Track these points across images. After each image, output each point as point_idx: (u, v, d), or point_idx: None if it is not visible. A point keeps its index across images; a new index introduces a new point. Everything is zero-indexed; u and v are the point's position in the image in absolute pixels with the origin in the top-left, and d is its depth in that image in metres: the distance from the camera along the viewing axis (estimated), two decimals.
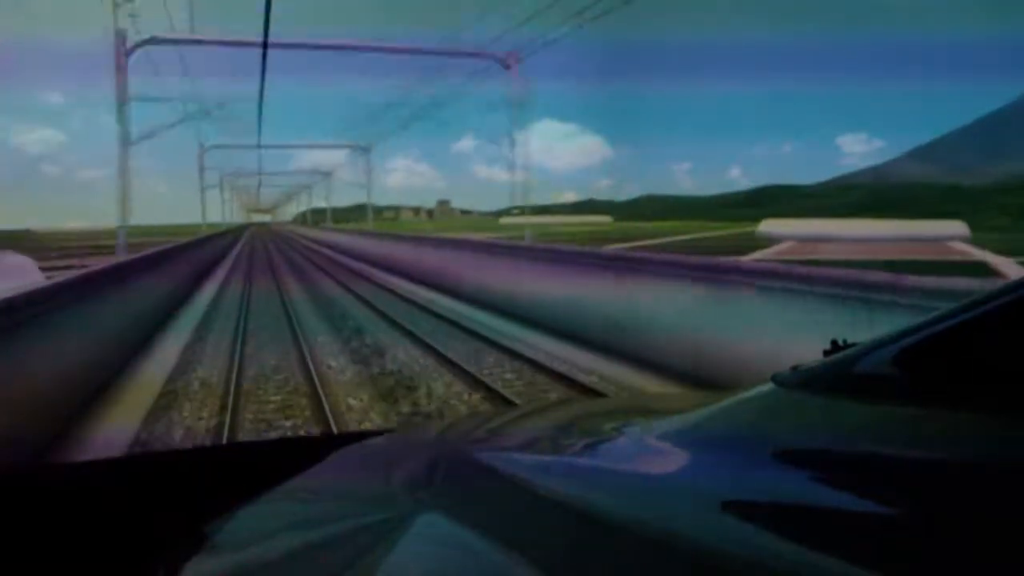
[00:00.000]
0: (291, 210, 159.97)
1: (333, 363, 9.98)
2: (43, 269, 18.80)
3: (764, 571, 0.42)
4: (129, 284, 11.31)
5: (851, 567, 0.41)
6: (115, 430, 6.99)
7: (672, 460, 0.65)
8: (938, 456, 0.51)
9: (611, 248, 13.79)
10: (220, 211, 77.68)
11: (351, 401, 8.04)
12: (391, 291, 18.81)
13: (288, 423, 7.32)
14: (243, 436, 7.08)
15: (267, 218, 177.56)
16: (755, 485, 0.55)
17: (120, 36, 19.27)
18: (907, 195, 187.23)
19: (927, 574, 0.40)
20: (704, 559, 0.45)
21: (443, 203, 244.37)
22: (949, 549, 0.41)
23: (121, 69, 19.25)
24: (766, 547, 0.45)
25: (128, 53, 19.55)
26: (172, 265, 17.63)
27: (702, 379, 7.79)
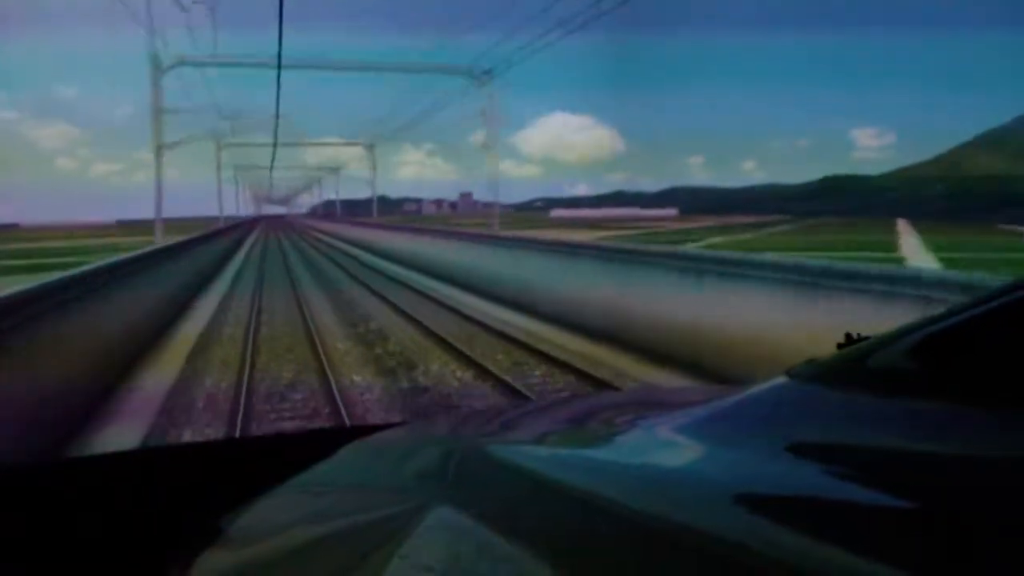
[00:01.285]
0: (305, 202, 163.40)
1: None
2: None
3: (778, 565, 0.43)
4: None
5: (865, 561, 0.41)
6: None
7: (686, 454, 0.66)
8: (954, 451, 0.50)
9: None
10: (234, 204, 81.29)
11: None
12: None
13: None
14: None
15: (281, 210, 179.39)
16: (769, 479, 0.55)
17: (154, 59, 24.23)
18: (985, 186, 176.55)
19: (943, 569, 0.40)
20: (719, 553, 0.46)
21: (465, 195, 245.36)
22: (965, 544, 0.41)
23: (156, 87, 24.18)
24: (780, 541, 0.45)
25: (162, 73, 24.41)
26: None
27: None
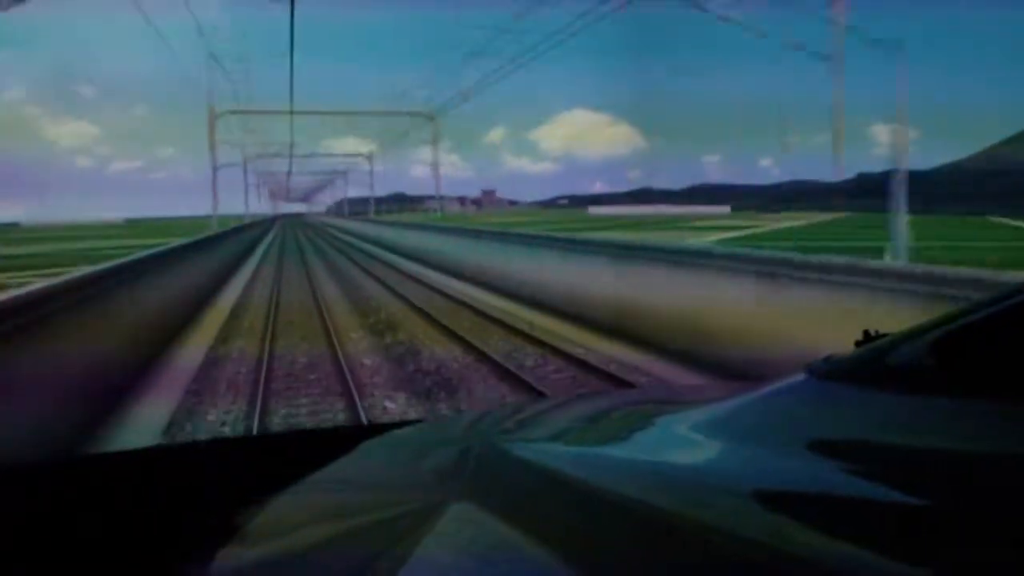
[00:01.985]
0: (322, 200, 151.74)
1: None
2: None
3: (797, 562, 0.43)
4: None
5: (884, 558, 0.42)
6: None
7: (704, 451, 0.67)
8: (973, 448, 0.51)
9: None
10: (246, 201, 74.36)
11: None
12: None
13: None
14: None
15: (302, 207, 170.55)
16: (788, 476, 0.55)
17: (211, 109, 34.02)
18: None
19: (962, 566, 0.40)
20: (737, 550, 0.46)
21: (488, 193, 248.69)
22: (984, 541, 0.41)
23: (212, 130, 33.87)
24: (800, 538, 0.46)
25: (215, 119, 34.28)
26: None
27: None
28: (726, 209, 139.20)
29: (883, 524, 0.46)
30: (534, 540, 0.54)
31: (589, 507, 0.57)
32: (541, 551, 0.53)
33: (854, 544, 0.44)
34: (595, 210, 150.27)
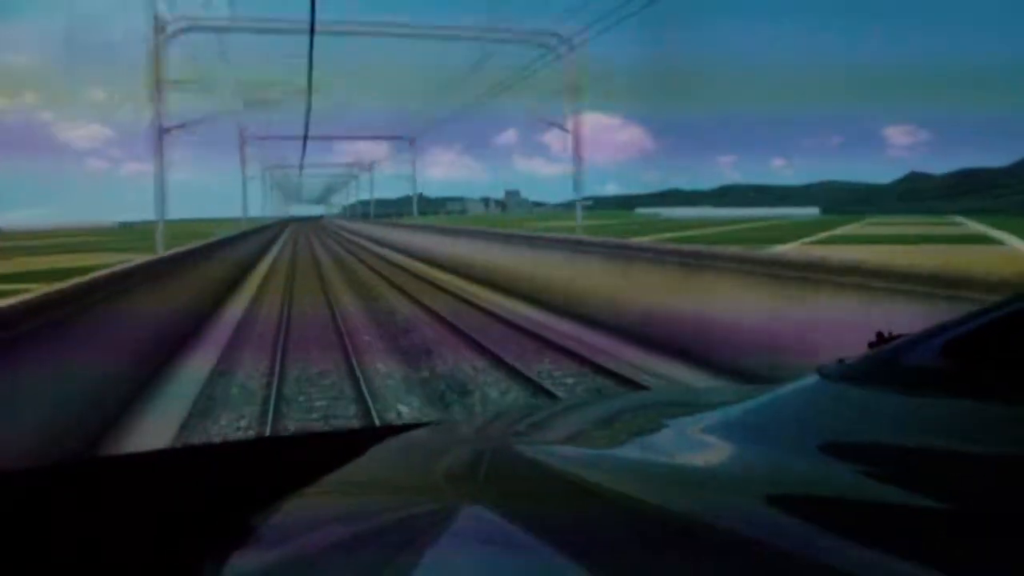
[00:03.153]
0: (338, 202, 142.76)
1: None
2: None
3: (810, 564, 0.43)
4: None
5: (897, 560, 0.42)
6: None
7: (717, 453, 0.67)
8: (986, 450, 0.52)
9: None
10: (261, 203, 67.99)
11: None
12: None
13: None
14: None
15: (319, 210, 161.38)
16: (801, 478, 0.56)
17: (160, 23, 19.56)
18: None
19: (974, 568, 0.40)
20: (750, 552, 0.46)
21: (512, 193, 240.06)
22: (996, 543, 0.42)
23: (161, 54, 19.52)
24: (812, 541, 0.46)
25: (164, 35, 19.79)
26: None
27: None
28: (812, 211, 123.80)
29: (896, 526, 0.46)
30: (548, 542, 0.55)
31: (603, 509, 0.58)
32: (555, 553, 0.53)
33: (867, 546, 0.44)
34: (669, 212, 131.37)
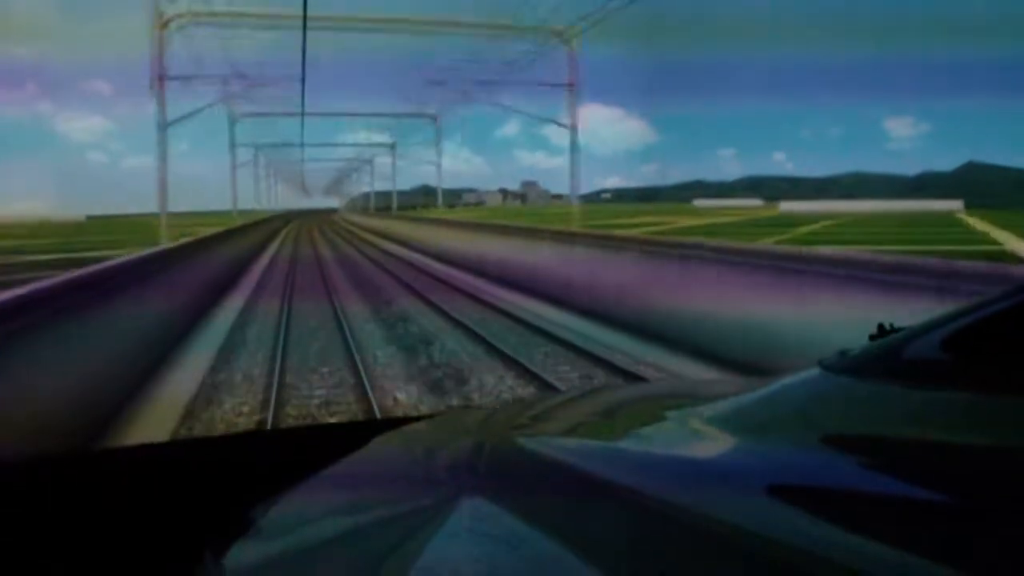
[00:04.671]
0: (347, 192, 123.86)
1: None
2: None
3: (812, 557, 0.44)
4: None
5: (899, 553, 0.42)
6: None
7: (718, 445, 0.69)
8: (988, 442, 0.52)
9: None
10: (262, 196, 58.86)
11: None
12: None
13: None
14: None
15: (326, 202, 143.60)
16: (802, 471, 0.57)
17: (159, 14, 20.13)
18: None
19: (977, 561, 0.41)
20: (751, 545, 0.47)
21: (530, 184, 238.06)
22: (998, 536, 0.42)
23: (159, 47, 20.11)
24: (813, 533, 0.46)
25: (164, 24, 20.36)
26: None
27: None
28: (954, 203, 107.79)
29: (897, 518, 0.47)
30: (548, 535, 0.56)
31: (603, 502, 0.59)
32: (555, 545, 0.54)
33: (868, 538, 0.45)
34: (702, 203, 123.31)
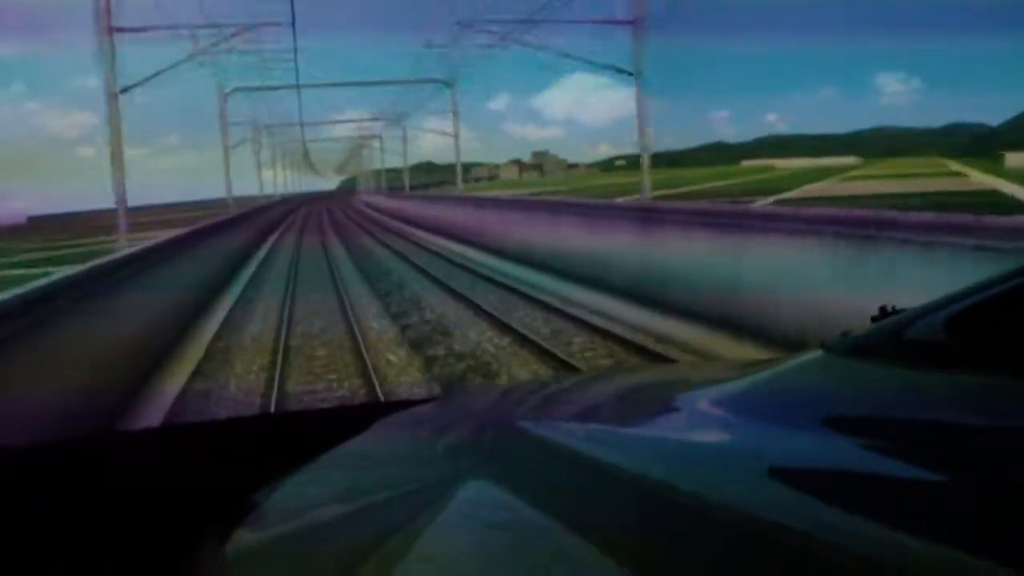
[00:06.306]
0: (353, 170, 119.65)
1: None
2: None
3: (816, 539, 0.44)
4: None
5: (903, 534, 0.43)
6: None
7: (722, 428, 0.69)
8: (990, 423, 0.53)
9: None
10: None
11: None
12: None
13: None
14: None
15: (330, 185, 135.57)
16: (806, 453, 0.58)
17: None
18: None
19: (981, 543, 0.41)
20: (755, 527, 0.47)
21: (541, 154, 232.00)
22: (1004, 516, 0.43)
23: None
24: (817, 515, 0.47)
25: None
26: None
27: None
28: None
29: (901, 500, 0.48)
30: (551, 519, 0.57)
31: (606, 486, 0.60)
32: (558, 530, 0.55)
33: (873, 521, 0.45)
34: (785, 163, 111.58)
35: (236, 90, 34.82)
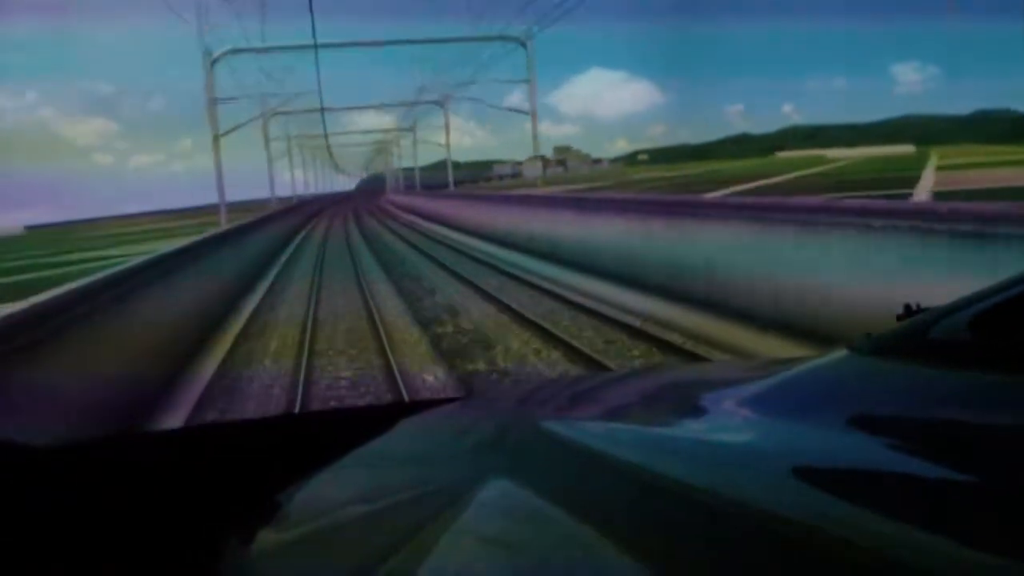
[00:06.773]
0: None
1: None
2: None
3: (840, 539, 0.44)
4: None
5: (929, 535, 0.43)
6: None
7: (746, 428, 0.70)
8: (1017, 423, 0.52)
9: None
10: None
11: None
12: None
13: None
14: None
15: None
16: (831, 453, 0.58)
17: (207, 53, 27.88)
18: None
19: (1009, 544, 0.41)
20: (780, 528, 0.47)
21: (563, 149, 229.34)
22: None
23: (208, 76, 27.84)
24: (843, 516, 0.47)
25: (213, 63, 28.09)
26: None
27: None
28: None
29: (925, 501, 0.47)
30: (574, 519, 0.57)
31: (630, 487, 0.60)
32: (582, 530, 0.56)
33: (897, 521, 0.45)
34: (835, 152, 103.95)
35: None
